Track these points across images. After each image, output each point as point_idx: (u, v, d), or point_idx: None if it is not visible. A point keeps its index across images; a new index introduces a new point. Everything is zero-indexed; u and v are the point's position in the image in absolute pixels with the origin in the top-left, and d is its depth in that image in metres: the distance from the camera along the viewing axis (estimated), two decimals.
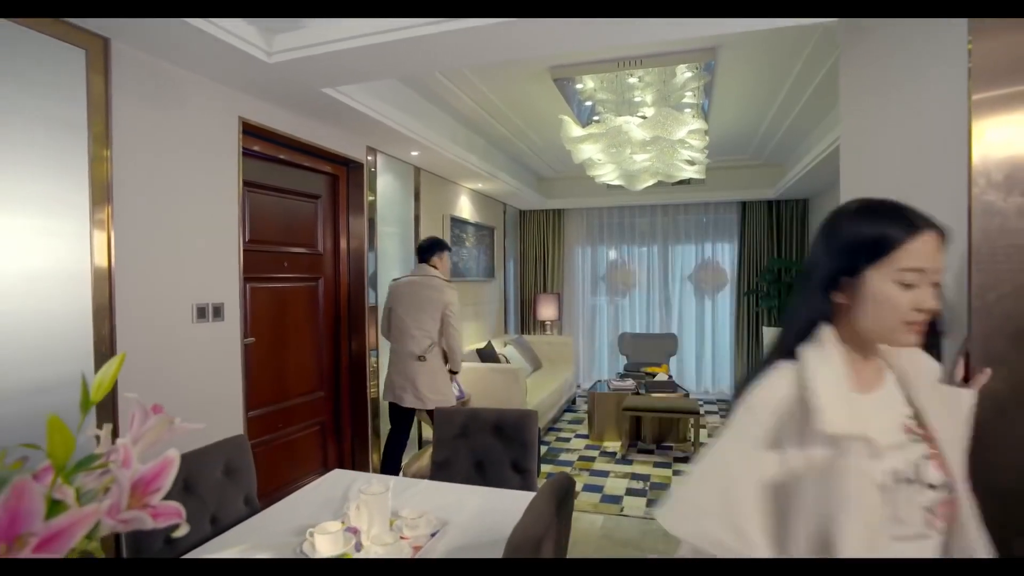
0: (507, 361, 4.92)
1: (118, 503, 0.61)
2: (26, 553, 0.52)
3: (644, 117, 3.57)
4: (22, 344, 1.71)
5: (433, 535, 1.46)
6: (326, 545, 1.36)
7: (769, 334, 5.76)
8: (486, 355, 4.75)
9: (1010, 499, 0.98)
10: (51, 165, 1.78)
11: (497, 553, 1.34)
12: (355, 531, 1.45)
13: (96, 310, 1.91)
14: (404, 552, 1.35)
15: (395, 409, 3.22)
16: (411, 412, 3.24)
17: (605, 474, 3.87)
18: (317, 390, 3.34)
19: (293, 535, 1.49)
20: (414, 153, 3.87)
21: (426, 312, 3.13)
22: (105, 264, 1.94)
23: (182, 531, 0.68)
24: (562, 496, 1.30)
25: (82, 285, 1.88)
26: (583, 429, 4.99)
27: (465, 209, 5.24)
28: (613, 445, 4.52)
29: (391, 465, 3.23)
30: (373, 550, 1.34)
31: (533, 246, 6.93)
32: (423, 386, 3.11)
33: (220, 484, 1.73)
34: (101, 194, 1.92)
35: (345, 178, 3.52)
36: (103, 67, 1.93)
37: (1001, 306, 0.89)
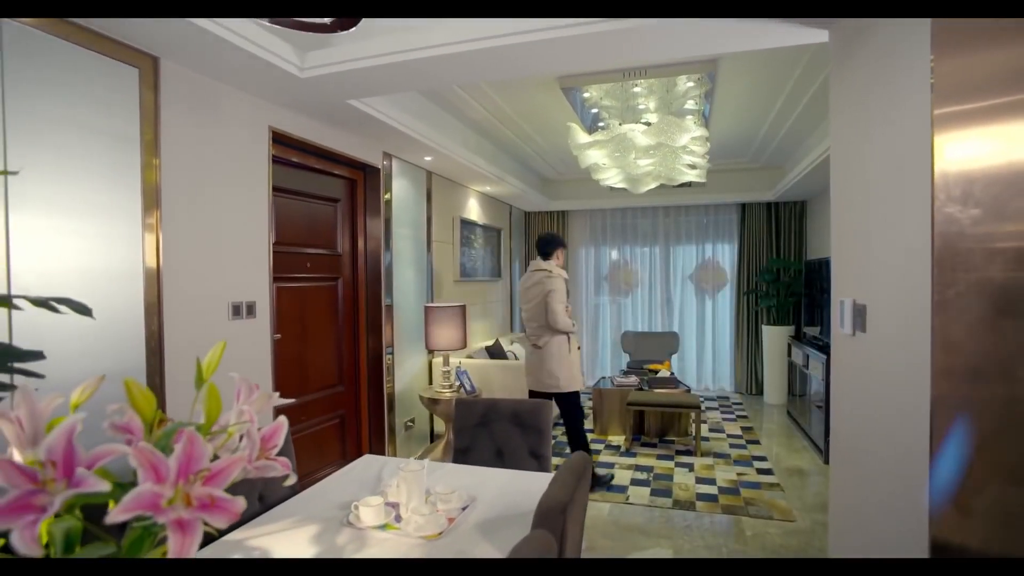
0: (516, 358, 5.08)
1: (252, 454, 0.78)
2: (198, 480, 0.68)
3: (648, 123, 3.73)
4: (82, 338, 1.87)
5: (464, 509, 1.62)
6: (370, 516, 1.53)
7: (768, 333, 5.93)
8: (494, 352, 4.91)
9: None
10: (108, 174, 1.95)
11: (525, 522, 1.51)
12: (394, 505, 1.62)
13: (147, 307, 2.08)
14: (440, 522, 1.51)
15: (532, 395, 3.56)
16: (550, 395, 3.48)
17: (610, 465, 4.03)
18: (337, 385, 3.51)
19: (337, 510, 1.65)
20: (427, 158, 4.03)
21: (535, 305, 3.46)
22: (154, 265, 2.11)
23: (291, 480, 0.86)
24: (581, 471, 1.47)
25: (135, 284, 2.04)
26: (588, 424, 5.15)
27: (473, 211, 5.41)
28: (617, 439, 4.69)
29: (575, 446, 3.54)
30: (413, 520, 1.50)
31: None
32: (541, 372, 3.47)
33: None
34: (151, 200, 2.09)
35: (362, 182, 3.69)
36: (153, 83, 2.09)
37: (958, 301, 1.06)
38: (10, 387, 1.01)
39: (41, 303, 1.01)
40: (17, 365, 1.14)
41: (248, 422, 0.81)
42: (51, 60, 1.75)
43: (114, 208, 1.97)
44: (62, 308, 1.02)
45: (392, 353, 3.84)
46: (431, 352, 4.45)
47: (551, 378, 3.46)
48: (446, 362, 3.95)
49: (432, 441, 4.45)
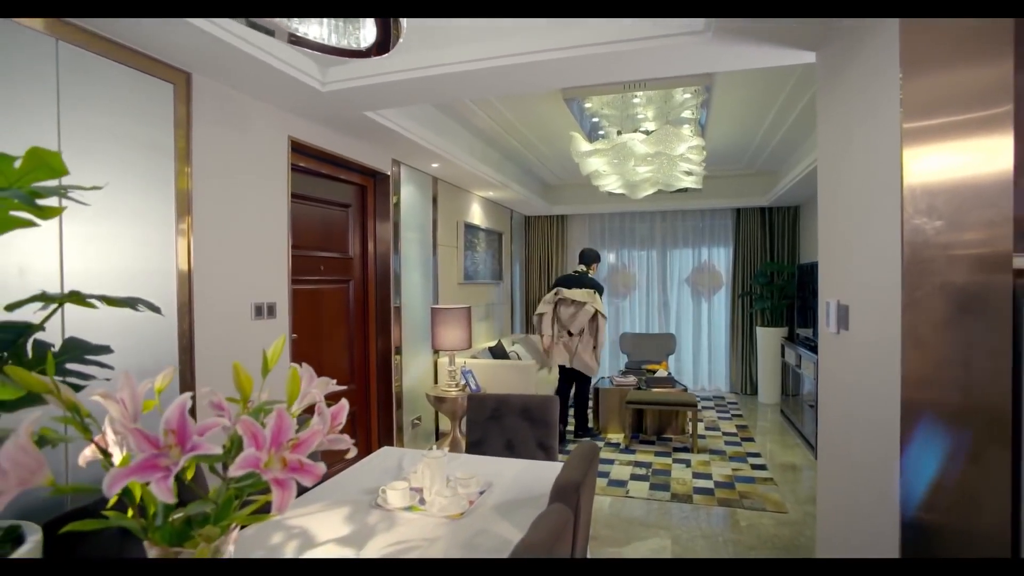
0: (519, 358, 5.22)
1: (324, 428, 0.92)
2: (288, 448, 0.82)
3: (647, 132, 3.89)
4: (120, 335, 2.01)
5: (481, 493, 1.76)
6: (397, 499, 1.67)
7: (762, 334, 6.09)
8: (497, 352, 5.05)
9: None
10: (145, 182, 2.08)
11: (539, 504, 1.65)
12: (418, 490, 1.76)
13: (179, 307, 2.21)
14: (462, 504, 1.65)
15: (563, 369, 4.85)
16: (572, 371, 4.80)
17: (611, 462, 4.18)
18: (349, 383, 3.64)
19: (365, 494, 1.79)
20: (434, 165, 4.18)
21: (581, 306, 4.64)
22: (186, 268, 2.24)
23: (352, 453, 1.00)
24: (591, 457, 1.61)
25: (169, 286, 2.18)
26: (588, 422, 5.29)
27: (476, 215, 5.55)
28: (617, 436, 4.83)
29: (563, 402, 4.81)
30: (437, 502, 1.64)
31: (538, 250, 7.24)
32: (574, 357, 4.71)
33: None
34: (183, 206, 2.23)
35: (372, 188, 3.83)
36: (186, 96, 2.23)
37: (925, 302, 1.21)
38: (88, 376, 1.16)
39: (125, 303, 1.16)
40: (89, 357, 1.29)
41: (317, 402, 0.95)
42: (99, 78, 1.89)
43: (150, 214, 2.10)
44: (140, 307, 1.17)
45: (400, 353, 3.98)
46: (437, 352, 4.58)
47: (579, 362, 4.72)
48: (451, 362, 4.08)
49: (437, 439, 4.58)
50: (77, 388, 1.05)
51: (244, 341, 2.57)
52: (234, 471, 0.74)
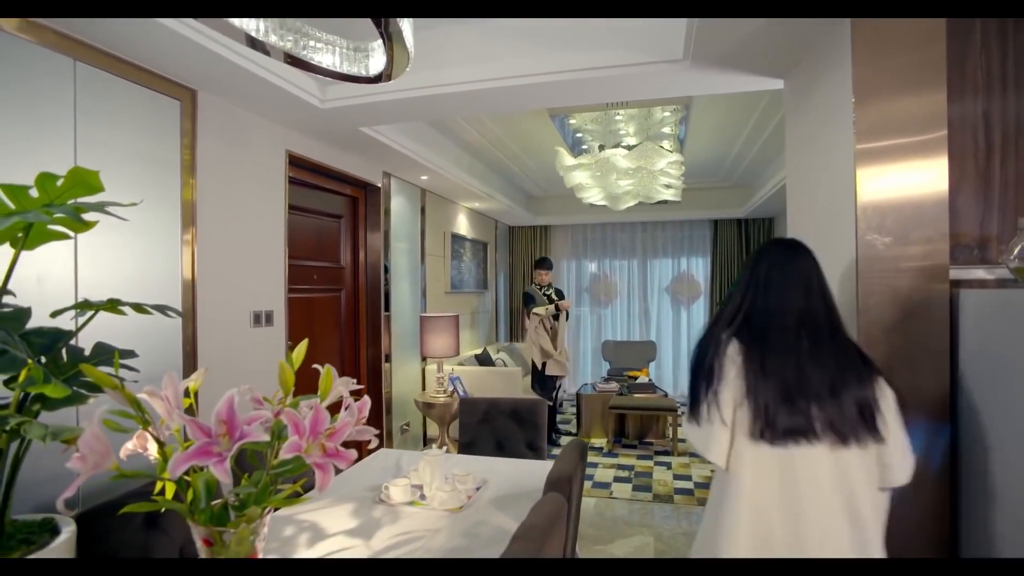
0: (504, 365, 5.34)
1: (352, 420, 1.04)
2: (325, 436, 0.94)
3: (628, 147, 4.07)
4: (129, 341, 2.07)
5: (478, 489, 1.88)
6: (399, 494, 1.78)
7: None
8: (483, 359, 5.17)
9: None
10: (153, 194, 2.17)
11: (532, 498, 1.77)
12: (418, 487, 1.86)
13: (183, 314, 2.29)
14: (461, 498, 1.76)
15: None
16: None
17: (594, 465, 4.31)
18: None
19: (367, 491, 1.89)
20: (424, 177, 4.30)
21: None
22: (190, 276, 2.32)
23: (374, 443, 1.11)
24: (581, 452, 1.74)
25: (174, 294, 2.25)
26: (571, 428, 5.43)
27: (463, 226, 5.68)
28: (600, 441, 4.97)
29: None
30: (438, 496, 1.75)
31: (522, 260, 7.39)
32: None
33: None
34: (188, 217, 2.31)
35: (364, 199, 3.93)
36: (191, 112, 2.32)
37: (876, 308, 1.37)
38: (118, 378, 1.26)
39: (156, 310, 1.26)
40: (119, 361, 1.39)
41: (344, 397, 1.06)
42: (112, 96, 1.98)
43: (157, 225, 2.19)
44: (170, 313, 1.27)
45: (389, 360, 4.07)
46: (425, 359, 4.68)
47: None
48: (439, 369, 4.18)
49: (425, 444, 4.66)
50: (95, 388, 1.14)
51: (243, 348, 2.64)
52: (283, 455, 0.86)
